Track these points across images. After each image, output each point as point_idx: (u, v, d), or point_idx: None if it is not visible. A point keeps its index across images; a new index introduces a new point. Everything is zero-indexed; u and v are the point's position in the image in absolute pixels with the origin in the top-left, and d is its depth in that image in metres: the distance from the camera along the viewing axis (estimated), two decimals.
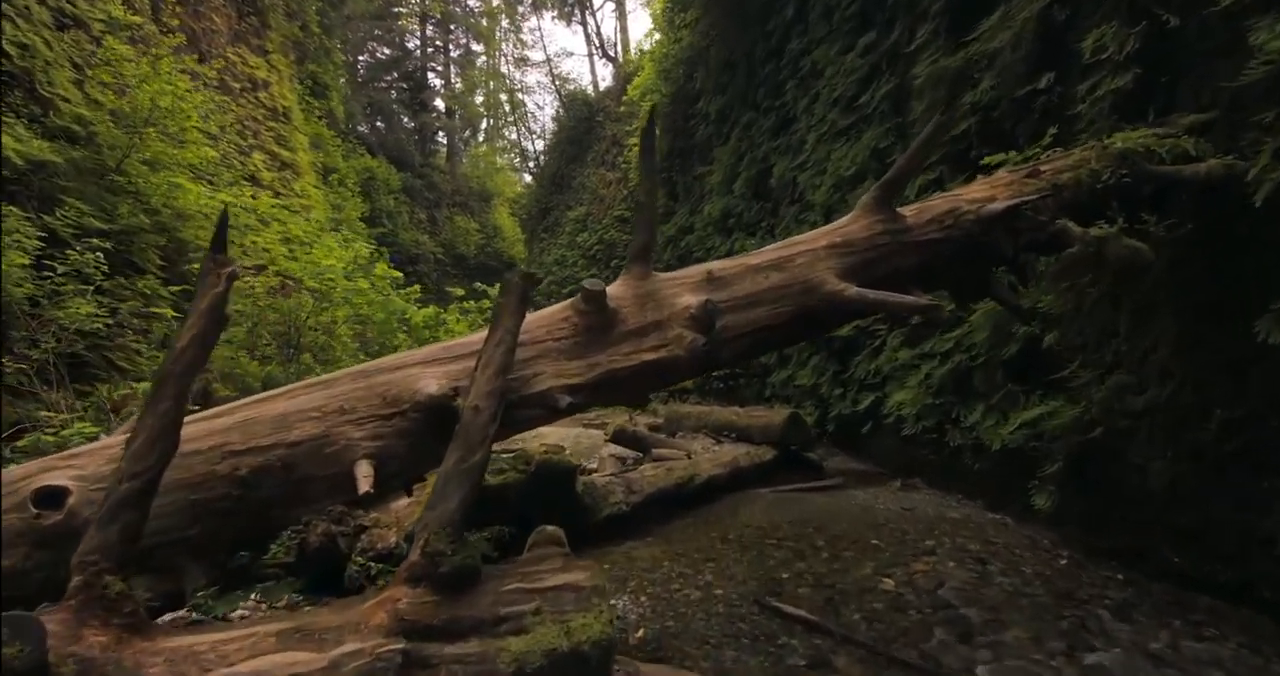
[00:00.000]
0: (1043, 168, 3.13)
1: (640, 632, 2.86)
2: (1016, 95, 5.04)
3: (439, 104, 40.41)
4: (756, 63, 12.13)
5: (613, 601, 3.13)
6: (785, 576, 3.55)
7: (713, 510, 5.13)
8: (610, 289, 2.57)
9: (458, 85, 40.66)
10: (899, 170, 2.87)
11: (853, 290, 2.56)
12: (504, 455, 3.67)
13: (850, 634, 2.76)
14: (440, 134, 40.45)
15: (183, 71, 10.73)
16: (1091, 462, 3.95)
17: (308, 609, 2.50)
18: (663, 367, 2.47)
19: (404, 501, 3.14)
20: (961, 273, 2.92)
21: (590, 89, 33.40)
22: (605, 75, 35.85)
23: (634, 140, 22.47)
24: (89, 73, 7.99)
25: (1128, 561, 3.68)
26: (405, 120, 38.25)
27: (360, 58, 37.96)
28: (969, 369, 5.29)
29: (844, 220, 2.92)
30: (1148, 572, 3.53)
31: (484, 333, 2.33)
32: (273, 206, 8.16)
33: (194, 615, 2.69)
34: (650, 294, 2.58)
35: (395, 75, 38.93)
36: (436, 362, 2.37)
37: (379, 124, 36.55)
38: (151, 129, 7.31)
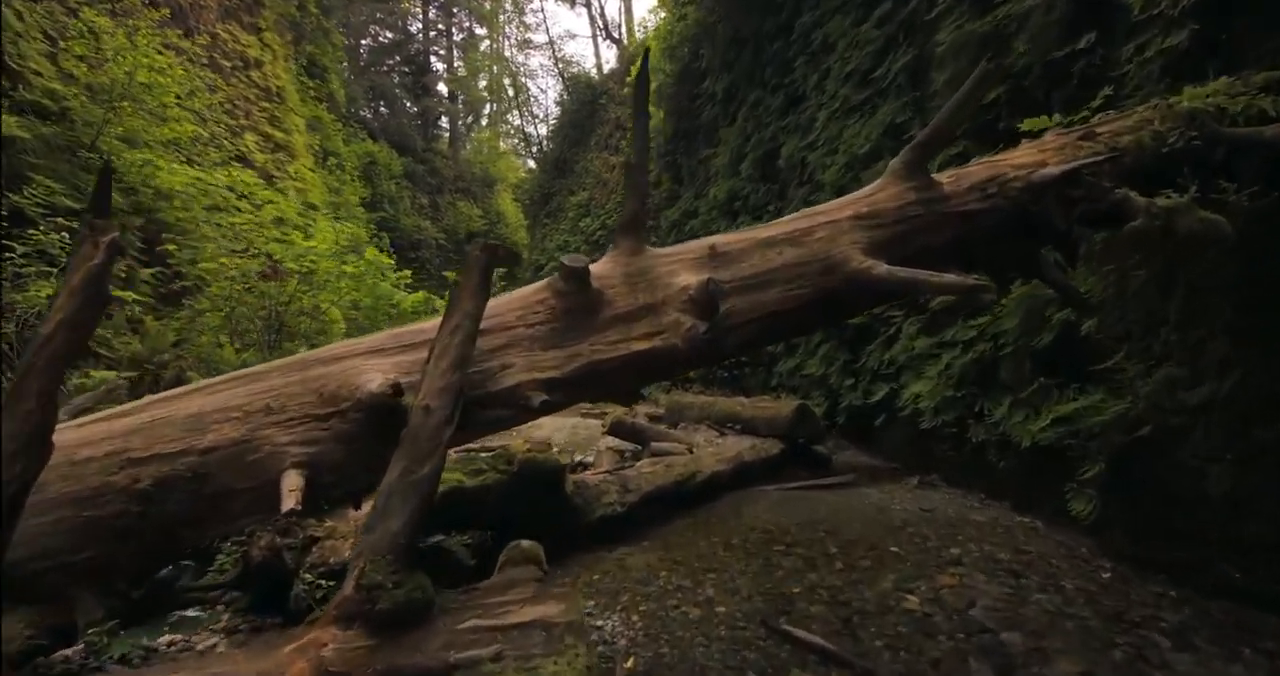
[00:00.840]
0: (1099, 130, 2.71)
1: (629, 662, 2.50)
2: (1052, 58, 4.60)
3: (442, 88, 39.85)
4: (765, 39, 11.63)
5: (600, 622, 2.77)
6: (795, 591, 3.18)
7: (715, 510, 4.76)
8: (595, 267, 2.19)
9: (460, 70, 40.03)
10: (935, 129, 2.46)
11: (881, 268, 2.17)
12: (483, 454, 3.32)
13: (873, 668, 2.40)
14: (443, 119, 39.92)
15: (167, 46, 10.32)
16: (1138, 464, 3.56)
17: (222, 650, 2.16)
18: (656, 358, 2.09)
19: (361, 511, 2.78)
20: (1006, 249, 2.52)
21: (594, 72, 32.77)
22: (609, 58, 35.21)
23: None
24: (63, 44, 7.58)
25: (1179, 576, 3.30)
26: (408, 105, 37.74)
27: (363, 42, 37.47)
28: (995, 359, 4.88)
29: (870, 188, 2.52)
30: (1204, 589, 3.15)
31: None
32: (255, 184, 7.77)
33: (87, 657, 2.34)
34: (642, 272, 2.20)
35: (397, 59, 38.39)
36: (384, 353, 2.00)
37: (382, 109, 36.04)
38: (127, 104, 6.91)
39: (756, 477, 5.73)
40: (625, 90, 23.30)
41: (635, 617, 2.89)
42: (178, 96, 9.19)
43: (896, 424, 6.34)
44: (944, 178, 2.52)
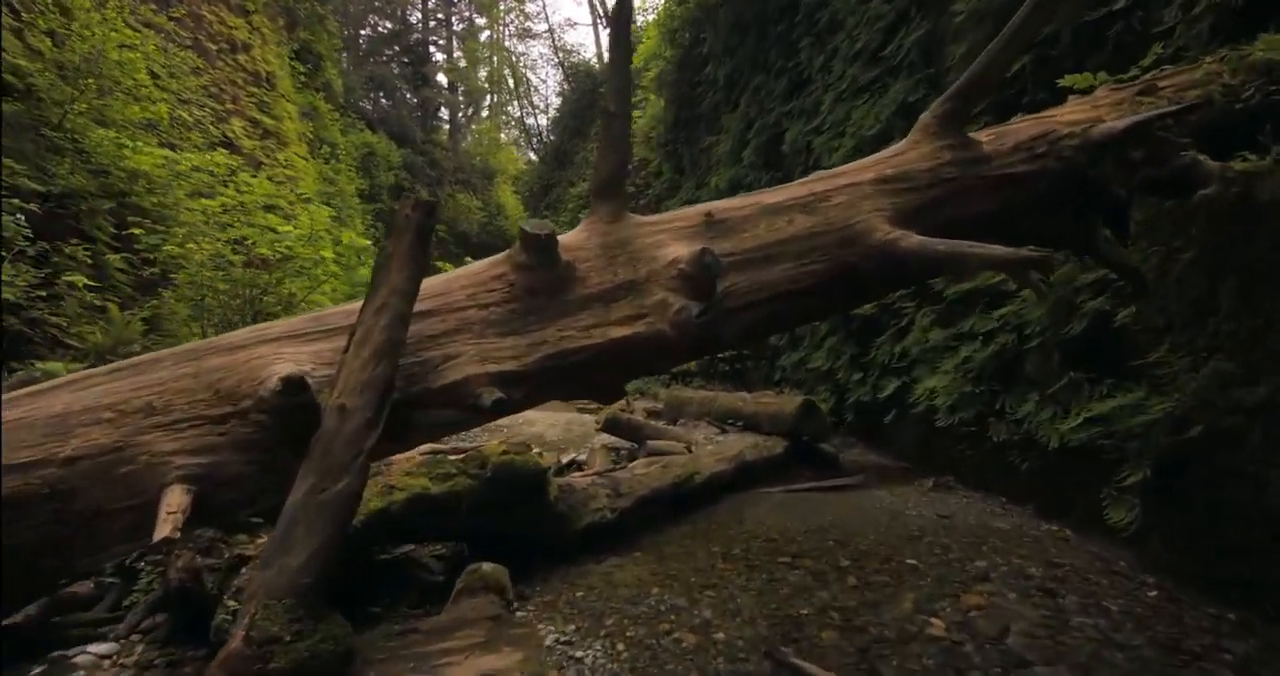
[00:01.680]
0: (1160, 84, 2.32)
1: None
2: (1083, 23, 4.19)
3: (441, 79, 39.36)
4: (768, 21, 11.21)
5: (580, 652, 2.40)
6: (804, 612, 2.81)
7: (714, 514, 4.40)
8: (567, 236, 1.82)
9: (460, 60, 39.56)
10: (976, 75, 2.08)
11: (912, 239, 1.80)
12: (452, 456, 2.96)
13: None
14: (443, 110, 39.45)
15: (147, 25, 9.94)
16: (1186, 470, 3.19)
17: None
18: (638, 347, 1.72)
19: None
20: (1056, 220, 2.13)
21: (595, 61, 32.31)
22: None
23: (637, 112, 21.47)
24: (26, 17, 7.19)
25: (1235, 596, 2.93)
26: (407, 95, 37.28)
27: (361, 32, 37.03)
28: (1019, 352, 4.50)
29: (897, 147, 2.14)
30: (1265, 612, 2.78)
31: None
32: (229, 167, 7.38)
33: None
34: (623, 243, 1.83)
35: (396, 49, 37.90)
36: (302, 339, 1.63)
37: (384, 100, 35.57)
38: (92, 80, 6.53)
39: (759, 478, 5.38)
40: None
41: (621, 646, 2.53)
42: (155, 75, 8.82)
43: (908, 421, 5.97)
44: (983, 136, 2.15)
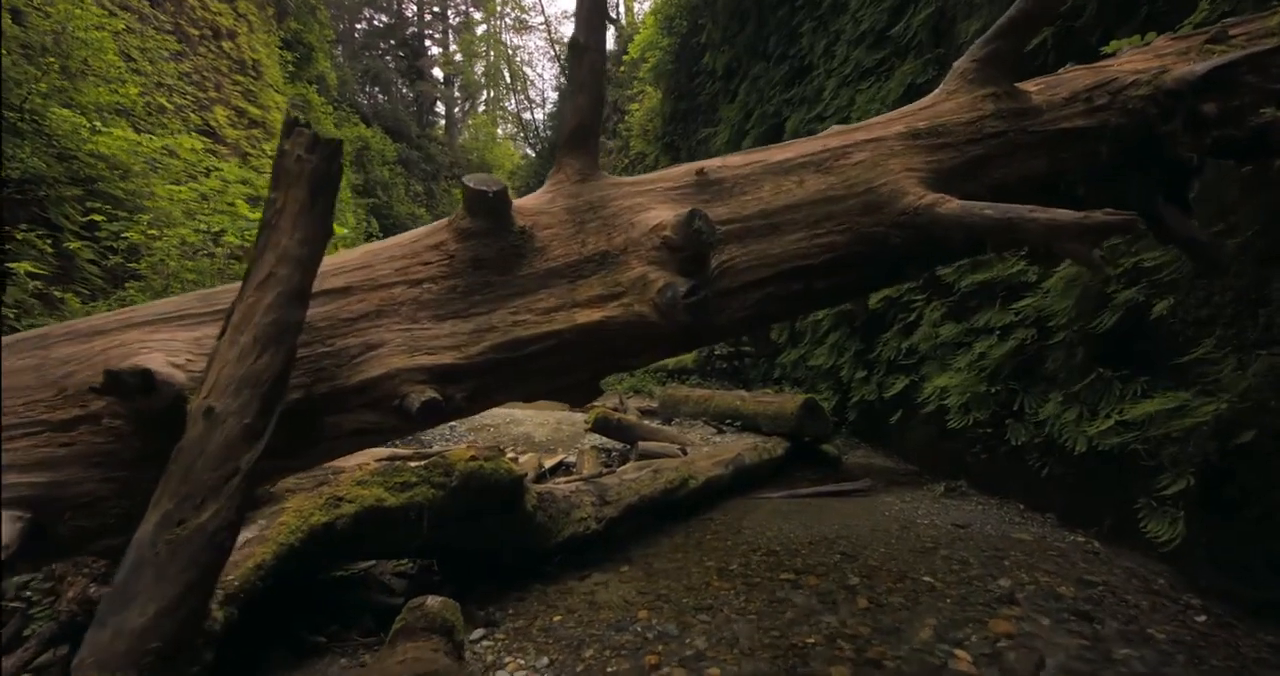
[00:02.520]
0: (1231, 31, 1.98)
1: None
2: None
3: (437, 73, 39.00)
4: (768, 7, 10.87)
5: None
6: (810, 641, 2.48)
7: (710, 523, 4.07)
8: (526, 199, 1.48)
9: (456, 55, 39.16)
10: (1029, 7, 1.72)
11: (952, 203, 1.46)
12: (413, 463, 2.62)
13: None
14: (438, 104, 39.06)
15: (123, 8, 9.55)
16: (1235, 479, 2.86)
17: None
18: (612, 335, 1.39)
19: (244, 535, 2.07)
20: (1116, 188, 1.79)
21: None
22: (607, 39, 34.31)
23: (635, 105, 21.10)
24: None
25: None
26: (402, 89, 36.88)
27: (357, 26, 36.66)
28: (1041, 348, 4.17)
29: (928, 98, 1.81)
30: None
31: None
32: (200, 151, 7.02)
33: None
34: (595, 206, 1.49)
35: (392, 42, 37.52)
36: (182, 322, 1.29)
37: (380, 96, 35.14)
38: (53, 60, 6.17)
39: (758, 482, 5.05)
40: (621, 70, 22.52)
41: None
42: (129, 58, 8.44)
43: (916, 421, 5.64)
44: (1030, 86, 1.81)
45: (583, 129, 1.58)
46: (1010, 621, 2.62)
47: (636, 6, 26.66)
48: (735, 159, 1.67)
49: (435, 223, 1.52)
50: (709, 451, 5.14)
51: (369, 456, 2.79)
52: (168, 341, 1.22)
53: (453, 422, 6.98)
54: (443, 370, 1.30)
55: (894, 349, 5.98)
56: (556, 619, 2.67)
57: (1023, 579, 3.07)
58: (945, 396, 4.93)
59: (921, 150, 1.63)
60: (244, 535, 2.09)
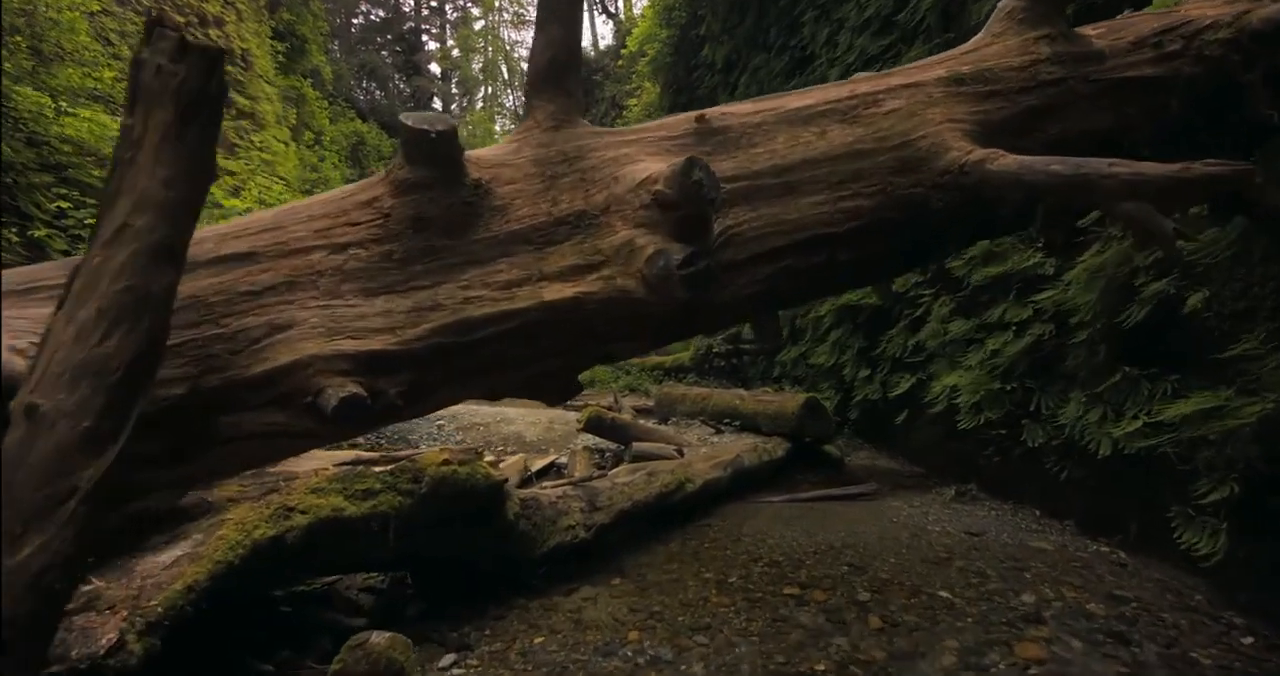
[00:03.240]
0: None
1: None
2: None
3: (434, 68, 38.70)
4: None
5: None
6: (820, 668, 2.22)
7: (708, 529, 3.82)
8: (486, 150, 1.22)
9: (454, 50, 38.88)
10: None
11: (1007, 159, 1.20)
12: (378, 468, 2.36)
13: None
14: (436, 100, 38.76)
15: None
16: None
17: None
18: (590, 316, 1.12)
19: (164, 556, 1.81)
20: (1186, 149, 1.53)
21: (590, 49, 31.68)
22: (605, 33, 34.05)
23: (633, 100, 20.85)
24: None
25: None
26: (399, 85, 36.56)
27: (354, 20, 36.36)
28: (1060, 344, 3.92)
29: (972, 42, 1.55)
30: None
31: None
32: None
33: None
34: (570, 158, 1.24)
35: (389, 37, 37.19)
36: (32, 296, 1.03)
37: (377, 92, 34.80)
38: (20, 38, 5.89)
39: (758, 485, 4.80)
40: (619, 64, 22.28)
41: None
42: (107, 41, 8.15)
43: (922, 422, 5.40)
44: (1089, 29, 1.56)
45: (557, 65, 1.31)
46: (1039, 644, 2.37)
47: (636, 1, 26.41)
48: (742, 106, 1.42)
49: (365, 180, 1.25)
50: (707, 452, 4.89)
51: (328, 460, 2.53)
52: (12, 319, 0.95)
53: (440, 421, 6.71)
54: (371, 358, 1.04)
55: (899, 346, 5.73)
56: (538, 640, 2.41)
57: (1047, 594, 2.82)
58: (955, 395, 4.68)
59: (966, 99, 1.38)
60: (173, 552, 1.83)
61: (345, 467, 2.38)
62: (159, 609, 1.68)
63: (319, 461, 2.53)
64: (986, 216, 1.40)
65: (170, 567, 1.78)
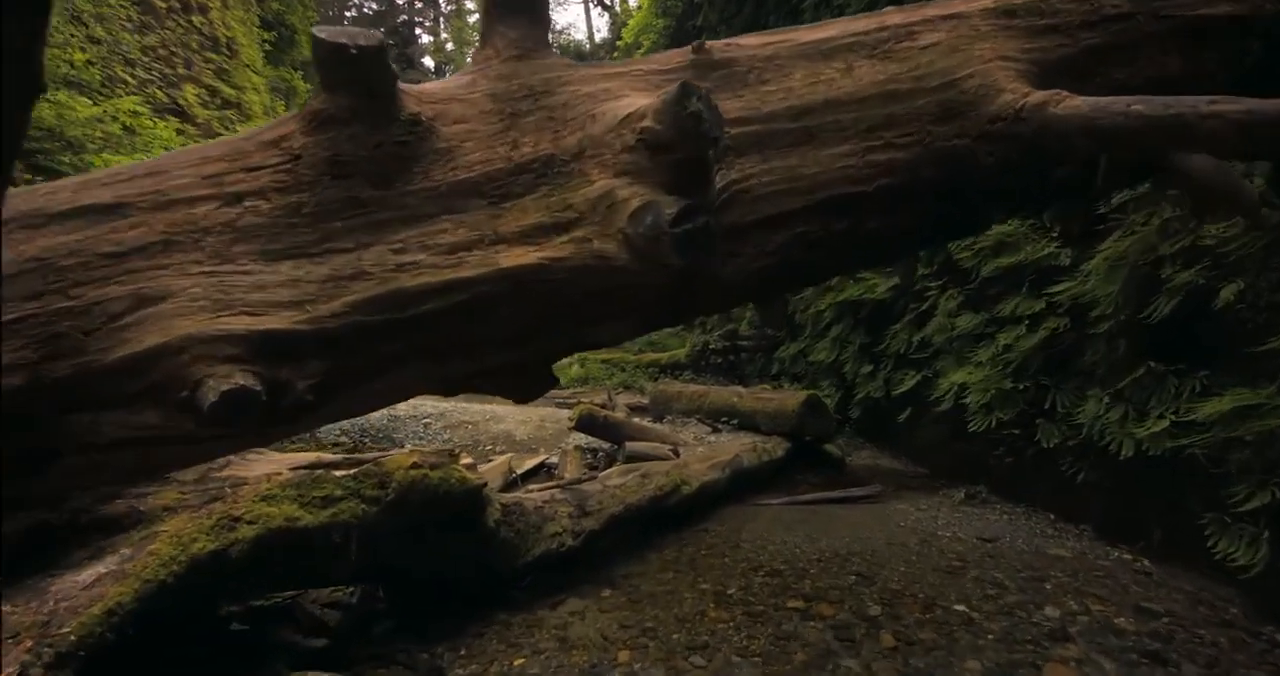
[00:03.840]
0: None
1: None
2: None
3: (427, 61, 38.37)
4: None
5: None
6: None
7: (705, 534, 3.60)
8: (433, 84, 0.99)
9: (447, 43, 38.56)
10: None
11: (1076, 102, 0.98)
12: (340, 472, 2.13)
13: None
14: None
15: None
16: None
17: None
18: (560, 287, 0.89)
19: (84, 575, 1.56)
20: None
21: (585, 42, 31.43)
22: (601, 26, 33.78)
23: None
24: None
25: None
26: None
27: (346, 13, 36.07)
28: (1077, 338, 3.72)
29: None
30: None
31: None
32: (136, 110, 6.49)
33: None
34: (535, 92, 1.01)
35: (382, 29, 36.93)
36: None
37: None
38: None
39: (757, 486, 4.58)
40: (615, 56, 22.03)
41: None
42: (80, 21, 7.87)
43: (927, 420, 5.19)
44: None
45: None
46: (1069, 666, 2.16)
47: None
48: (751, 38, 1.18)
49: (277, 119, 1.01)
50: (704, 452, 4.67)
51: (284, 463, 2.30)
52: None
53: (426, 420, 6.48)
54: (270, 340, 0.79)
55: (904, 342, 5.52)
56: (518, 662, 2.19)
57: (1071, 607, 2.61)
58: (964, 393, 4.47)
59: (1018, 33, 1.15)
60: (96, 569, 1.60)
61: (302, 472, 2.15)
62: (72, 636, 1.45)
63: (274, 465, 2.30)
64: (1039, 177, 1.17)
65: (90, 587, 1.55)
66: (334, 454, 2.87)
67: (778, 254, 1.05)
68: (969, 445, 4.57)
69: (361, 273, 0.86)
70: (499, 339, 0.98)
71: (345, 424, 5.75)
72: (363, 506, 2.08)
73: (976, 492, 4.35)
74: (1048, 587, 2.81)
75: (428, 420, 6.42)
